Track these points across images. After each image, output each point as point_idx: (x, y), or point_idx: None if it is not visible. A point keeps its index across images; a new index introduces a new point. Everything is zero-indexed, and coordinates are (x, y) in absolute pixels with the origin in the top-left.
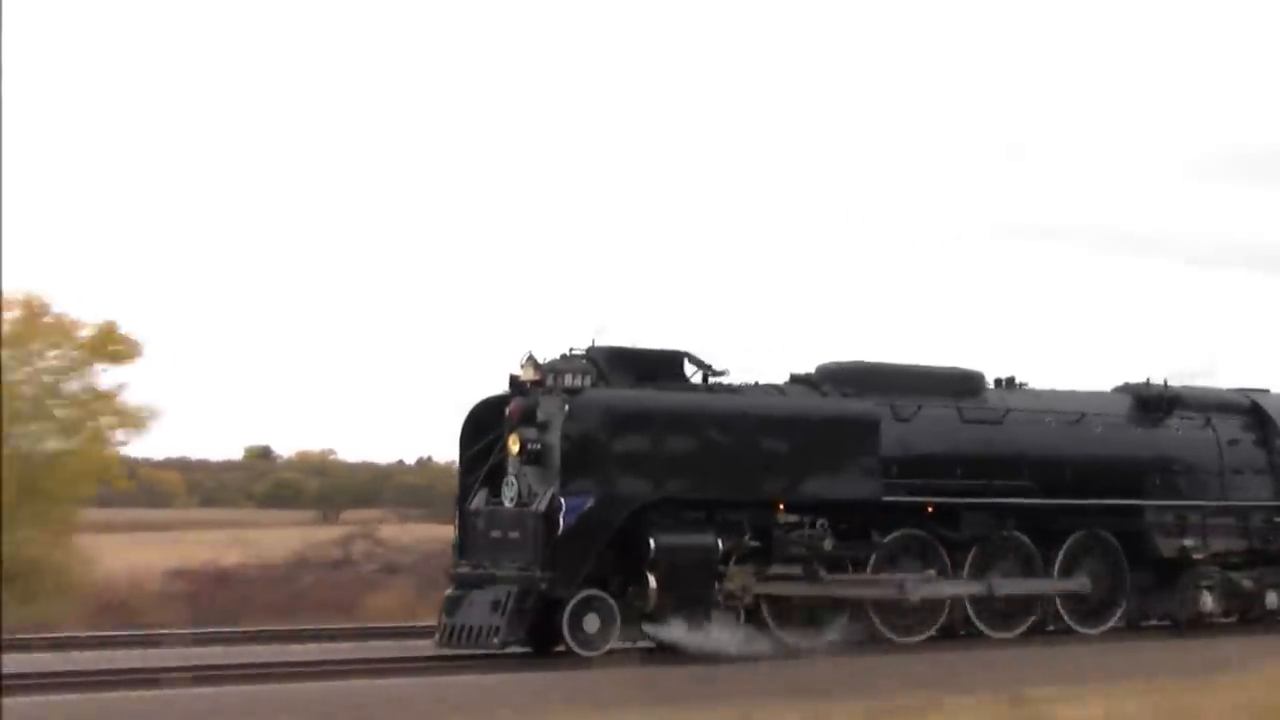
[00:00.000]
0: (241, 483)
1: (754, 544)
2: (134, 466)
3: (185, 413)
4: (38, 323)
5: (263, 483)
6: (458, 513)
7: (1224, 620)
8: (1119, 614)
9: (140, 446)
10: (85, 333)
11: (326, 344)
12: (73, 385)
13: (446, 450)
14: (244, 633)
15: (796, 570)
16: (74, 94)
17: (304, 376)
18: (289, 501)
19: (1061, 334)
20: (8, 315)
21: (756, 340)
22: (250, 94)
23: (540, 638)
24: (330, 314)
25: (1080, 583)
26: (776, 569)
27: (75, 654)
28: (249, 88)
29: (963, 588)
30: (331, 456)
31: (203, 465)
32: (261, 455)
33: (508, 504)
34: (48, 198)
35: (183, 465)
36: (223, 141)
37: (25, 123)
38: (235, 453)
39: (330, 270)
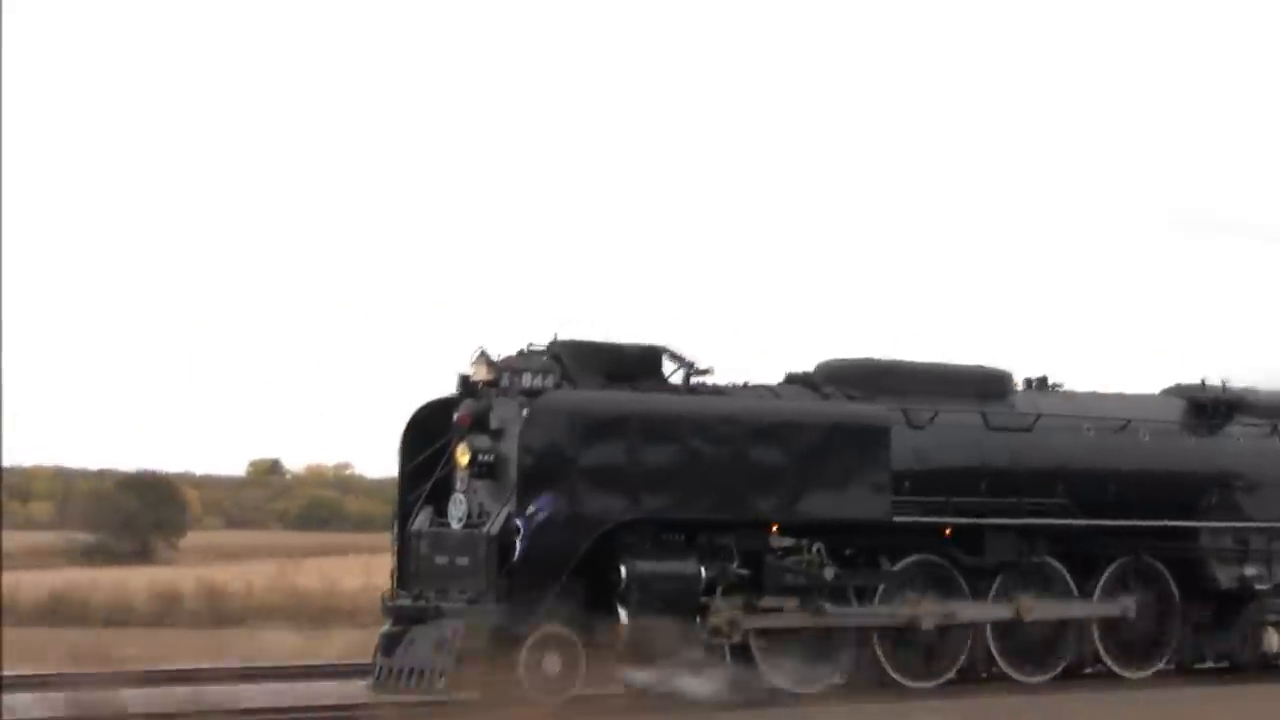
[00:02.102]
0: (259, 500)
1: (742, 572)
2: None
3: (176, 424)
4: None
5: (287, 499)
6: (397, 536)
7: None
8: (1168, 654)
9: (137, 458)
10: None
11: (316, 349)
12: None
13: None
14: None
15: (792, 601)
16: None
17: (299, 385)
18: (324, 523)
19: (1103, 327)
20: None
21: (747, 334)
22: (226, 96)
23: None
24: (314, 315)
25: (1122, 605)
26: (769, 600)
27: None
28: (227, 90)
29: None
30: (348, 471)
31: (208, 481)
32: (270, 470)
33: (455, 525)
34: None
35: (188, 480)
36: (206, 139)
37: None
38: (237, 467)
39: (316, 271)
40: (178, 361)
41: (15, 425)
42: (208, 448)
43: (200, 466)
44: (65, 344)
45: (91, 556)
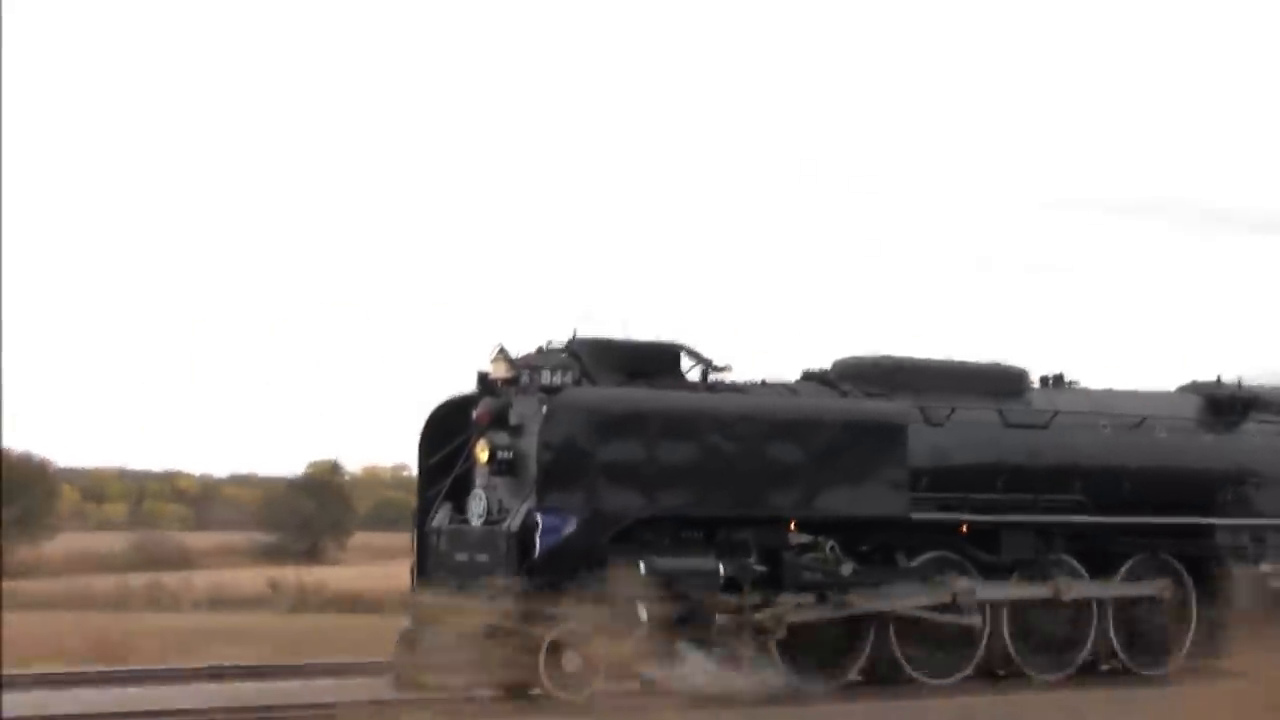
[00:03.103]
0: None
1: (760, 568)
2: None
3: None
4: None
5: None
6: (416, 532)
7: None
8: (1185, 651)
9: (198, 461)
10: None
11: (347, 351)
12: None
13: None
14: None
15: (809, 598)
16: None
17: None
18: (393, 523)
19: (1119, 324)
20: None
21: (765, 331)
22: (244, 95)
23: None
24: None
25: (1160, 585)
26: (786, 597)
27: None
28: (235, 89)
29: (1021, 590)
30: (405, 473)
31: (268, 482)
32: (331, 470)
33: (475, 522)
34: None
35: (249, 482)
36: (229, 137)
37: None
38: (295, 467)
39: (327, 270)
40: (237, 366)
41: (72, 426)
42: (257, 449)
43: (255, 468)
44: (121, 349)
45: (273, 556)
